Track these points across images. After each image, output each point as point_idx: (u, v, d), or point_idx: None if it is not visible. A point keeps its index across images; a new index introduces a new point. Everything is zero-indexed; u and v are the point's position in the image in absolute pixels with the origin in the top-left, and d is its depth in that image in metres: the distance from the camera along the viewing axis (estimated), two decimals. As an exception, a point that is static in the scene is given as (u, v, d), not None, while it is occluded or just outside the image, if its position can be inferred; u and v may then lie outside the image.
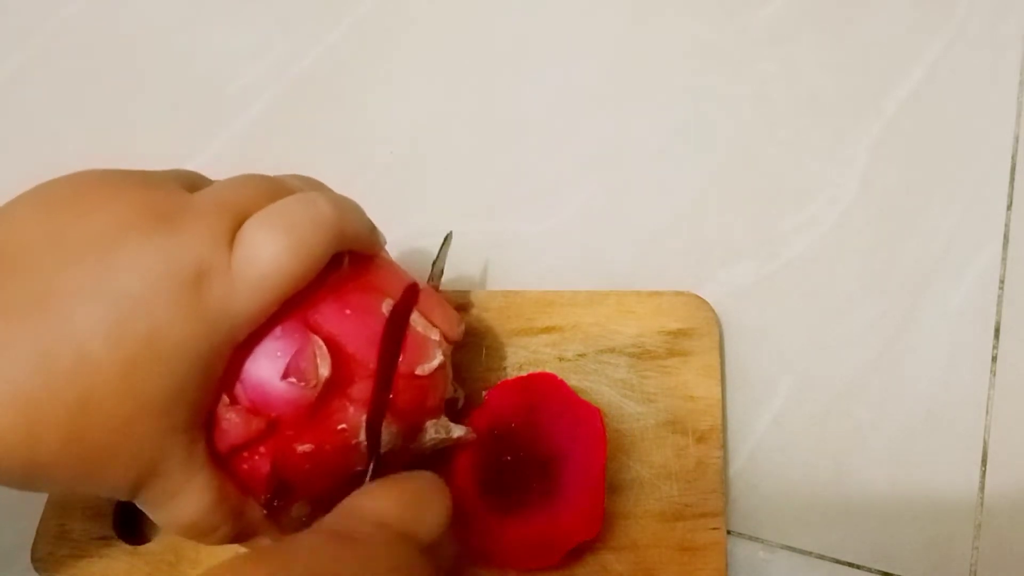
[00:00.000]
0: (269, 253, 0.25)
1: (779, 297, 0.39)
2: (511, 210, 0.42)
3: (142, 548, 0.35)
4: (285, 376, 0.26)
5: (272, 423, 0.26)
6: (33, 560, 0.35)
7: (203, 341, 0.24)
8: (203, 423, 0.26)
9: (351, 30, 0.46)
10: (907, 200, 0.41)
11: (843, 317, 0.39)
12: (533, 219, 0.42)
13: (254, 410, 0.26)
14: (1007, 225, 0.40)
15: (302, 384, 0.26)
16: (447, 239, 0.36)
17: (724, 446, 0.36)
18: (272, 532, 0.28)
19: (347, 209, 0.28)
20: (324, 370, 0.26)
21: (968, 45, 0.43)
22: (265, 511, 0.28)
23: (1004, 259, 0.39)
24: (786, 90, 0.43)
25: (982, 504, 0.35)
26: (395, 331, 0.28)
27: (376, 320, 0.28)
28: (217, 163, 0.43)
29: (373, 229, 0.30)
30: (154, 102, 0.45)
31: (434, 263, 0.35)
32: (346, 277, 0.28)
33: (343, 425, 0.27)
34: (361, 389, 0.27)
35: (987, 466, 0.36)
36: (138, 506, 0.27)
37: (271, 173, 0.41)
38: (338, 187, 0.43)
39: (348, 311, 0.27)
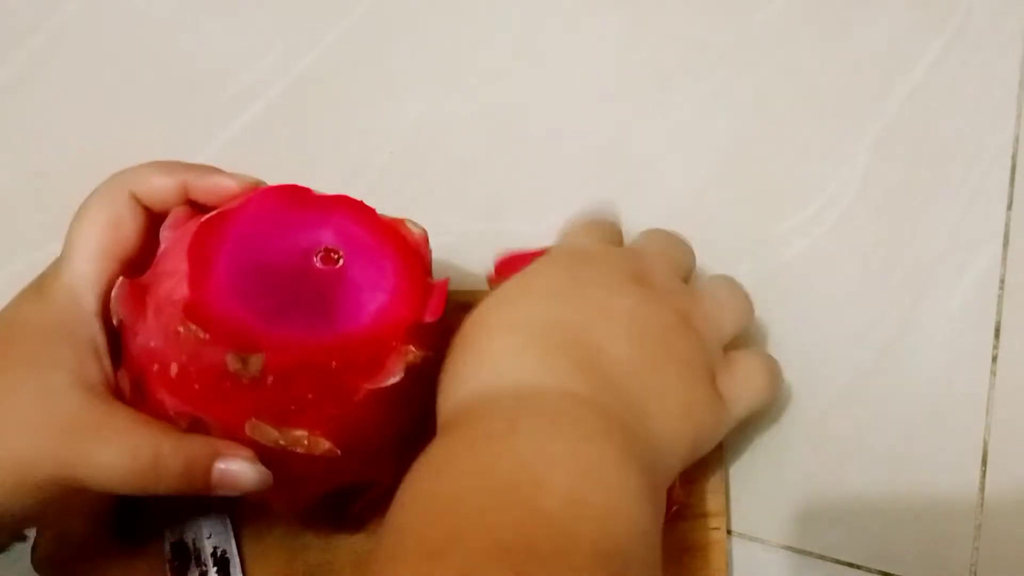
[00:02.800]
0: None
1: (779, 297, 0.39)
2: (511, 210, 0.42)
3: (142, 548, 0.35)
4: None
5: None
6: (33, 561, 0.35)
7: None
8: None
9: (351, 30, 0.46)
10: (907, 200, 0.41)
11: (843, 317, 0.39)
12: (533, 219, 0.42)
13: None
14: (1007, 225, 0.40)
15: None
16: None
17: (724, 446, 0.36)
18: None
19: None
20: None
21: (968, 45, 0.43)
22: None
23: (1004, 259, 0.39)
24: (786, 90, 0.43)
25: (982, 504, 0.35)
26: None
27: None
28: (217, 163, 0.43)
29: None
30: (154, 102, 0.45)
31: None
32: None
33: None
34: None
35: (987, 466, 0.36)
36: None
37: (271, 174, 0.41)
38: (337, 188, 0.43)
39: None
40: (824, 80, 0.43)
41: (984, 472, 0.36)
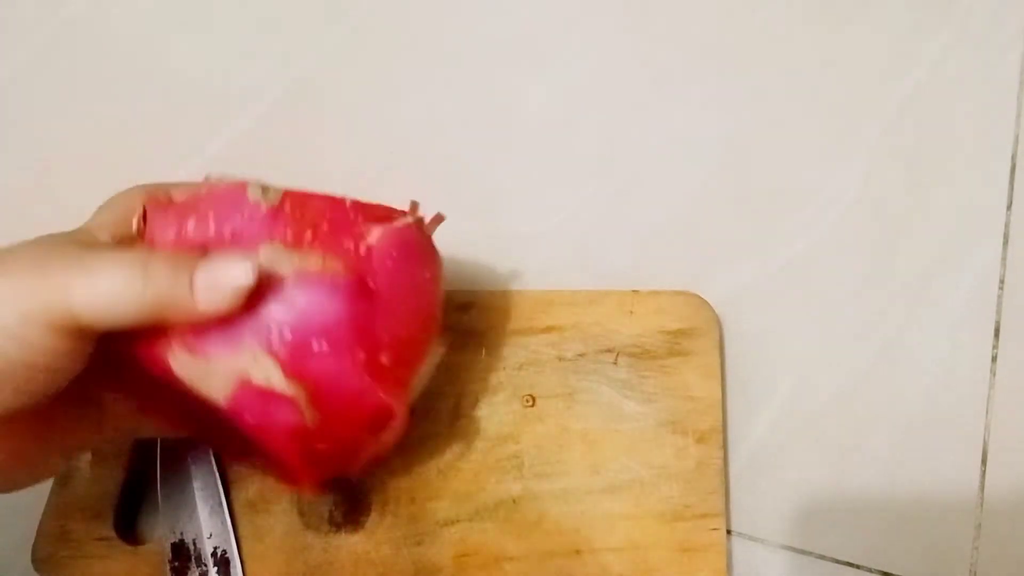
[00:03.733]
0: None
1: (779, 297, 0.39)
2: (511, 210, 0.42)
3: (142, 548, 0.35)
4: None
5: None
6: (33, 561, 0.35)
7: None
8: None
9: (351, 30, 0.46)
10: (907, 200, 0.41)
11: (843, 317, 0.39)
12: (533, 219, 0.42)
13: None
14: (1007, 225, 0.40)
15: None
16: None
17: (724, 446, 0.36)
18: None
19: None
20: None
21: (968, 45, 0.43)
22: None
23: (1004, 259, 0.39)
24: (786, 90, 0.43)
25: (982, 504, 0.35)
26: None
27: None
28: (217, 163, 0.43)
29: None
30: (154, 102, 0.45)
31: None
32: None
33: None
34: None
35: (987, 466, 0.36)
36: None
37: (271, 174, 0.41)
38: (337, 187, 0.43)
39: None
40: (824, 80, 0.43)
41: (984, 472, 0.36)
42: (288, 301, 0.27)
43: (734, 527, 0.36)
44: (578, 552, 0.34)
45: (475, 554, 0.34)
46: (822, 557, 0.35)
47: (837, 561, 0.35)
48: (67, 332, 0.25)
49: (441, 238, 0.39)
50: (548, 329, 0.38)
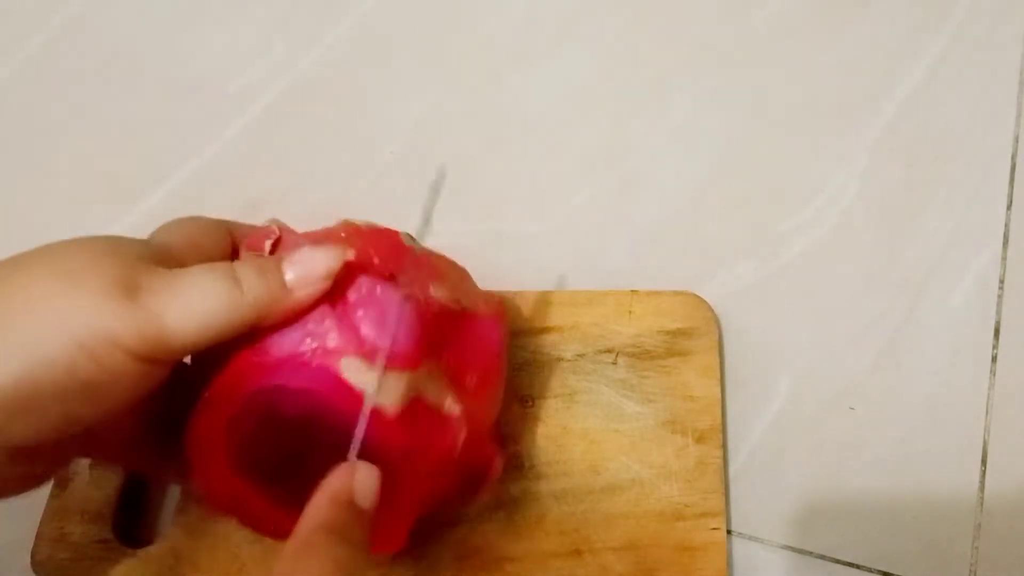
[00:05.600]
0: None
1: (779, 297, 0.39)
2: (511, 210, 0.42)
3: (141, 551, 0.35)
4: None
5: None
6: (33, 563, 0.35)
7: None
8: None
9: (351, 30, 0.46)
10: (907, 200, 0.41)
11: (843, 317, 0.39)
12: (533, 219, 0.42)
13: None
14: (1007, 225, 0.40)
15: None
16: (438, 180, 0.32)
17: (724, 446, 0.36)
18: None
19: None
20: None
21: (968, 45, 0.43)
22: None
23: (1004, 259, 0.39)
24: (786, 90, 0.43)
25: (982, 504, 0.35)
26: None
27: None
28: (217, 163, 0.43)
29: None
30: (155, 102, 0.45)
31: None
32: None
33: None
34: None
35: (987, 466, 0.36)
36: None
37: (272, 173, 0.41)
38: (338, 187, 0.43)
39: None
40: (824, 80, 0.43)
41: (984, 472, 0.36)
42: (455, 332, 0.29)
43: (734, 527, 0.36)
44: (578, 552, 0.34)
45: (475, 554, 0.34)
46: (822, 557, 0.35)
47: (837, 561, 0.35)
48: (153, 358, 0.24)
49: (440, 239, 0.39)
50: (548, 329, 0.38)
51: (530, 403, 0.37)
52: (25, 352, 0.22)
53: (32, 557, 0.35)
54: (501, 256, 0.41)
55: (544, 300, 0.38)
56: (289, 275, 0.26)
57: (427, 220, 0.31)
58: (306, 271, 0.26)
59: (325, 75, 0.45)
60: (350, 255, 0.27)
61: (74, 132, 0.44)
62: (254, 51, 0.45)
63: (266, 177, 0.43)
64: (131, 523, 0.36)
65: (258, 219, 0.43)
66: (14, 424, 0.23)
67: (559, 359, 0.37)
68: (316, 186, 0.43)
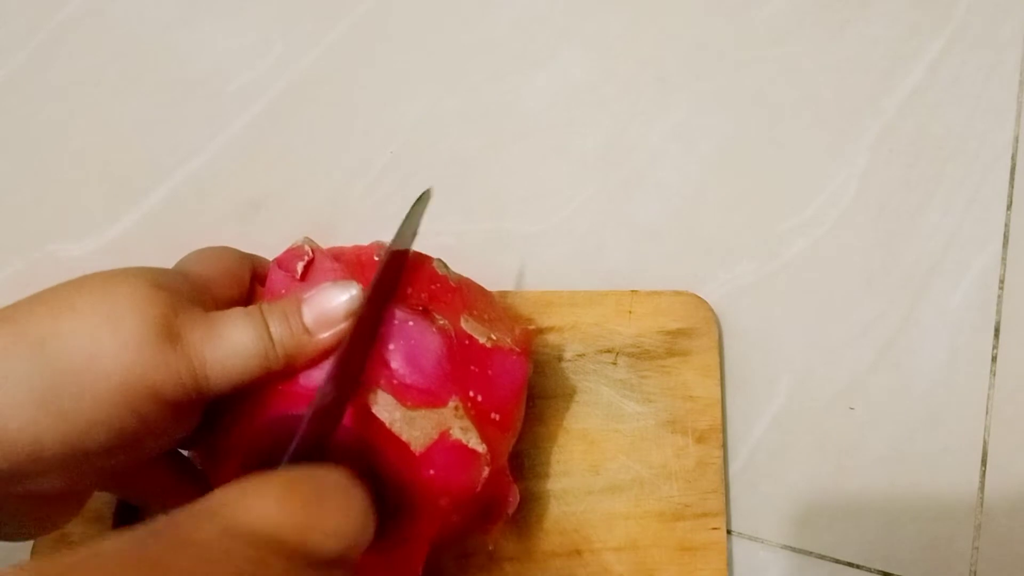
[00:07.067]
0: None
1: (779, 297, 0.39)
2: (511, 210, 0.42)
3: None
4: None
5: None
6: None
7: None
8: None
9: (350, 30, 0.46)
10: (907, 200, 0.41)
11: (843, 317, 0.39)
12: (533, 219, 0.42)
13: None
14: (1007, 225, 0.40)
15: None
16: (423, 198, 0.32)
17: (724, 446, 0.36)
18: None
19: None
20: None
21: (968, 45, 0.43)
22: None
23: (1004, 259, 0.39)
24: (786, 90, 0.43)
25: (982, 504, 0.35)
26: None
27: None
28: (217, 162, 0.43)
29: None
30: (154, 102, 0.45)
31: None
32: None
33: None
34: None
35: (987, 466, 0.36)
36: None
37: (272, 173, 0.41)
38: (338, 187, 0.43)
39: None
40: (824, 80, 0.43)
41: (984, 472, 0.36)
42: (483, 368, 0.28)
43: (734, 527, 0.36)
44: (578, 552, 0.34)
45: (475, 554, 0.34)
46: (822, 557, 0.35)
47: (837, 561, 0.35)
48: (190, 405, 0.24)
49: (440, 239, 0.39)
50: (548, 329, 0.38)
51: (530, 403, 0.36)
52: (71, 411, 0.22)
53: (32, 557, 0.35)
54: (501, 256, 0.41)
55: (544, 300, 0.38)
56: (308, 318, 0.26)
57: (412, 236, 0.31)
58: (325, 311, 0.26)
59: (325, 75, 0.45)
60: (360, 291, 0.27)
61: (74, 132, 0.44)
62: (254, 51, 0.45)
63: (266, 177, 0.43)
64: (131, 523, 0.36)
65: (258, 219, 0.44)
66: (54, 476, 0.23)
67: (559, 359, 0.37)
68: (316, 186, 0.43)
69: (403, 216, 0.31)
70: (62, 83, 0.45)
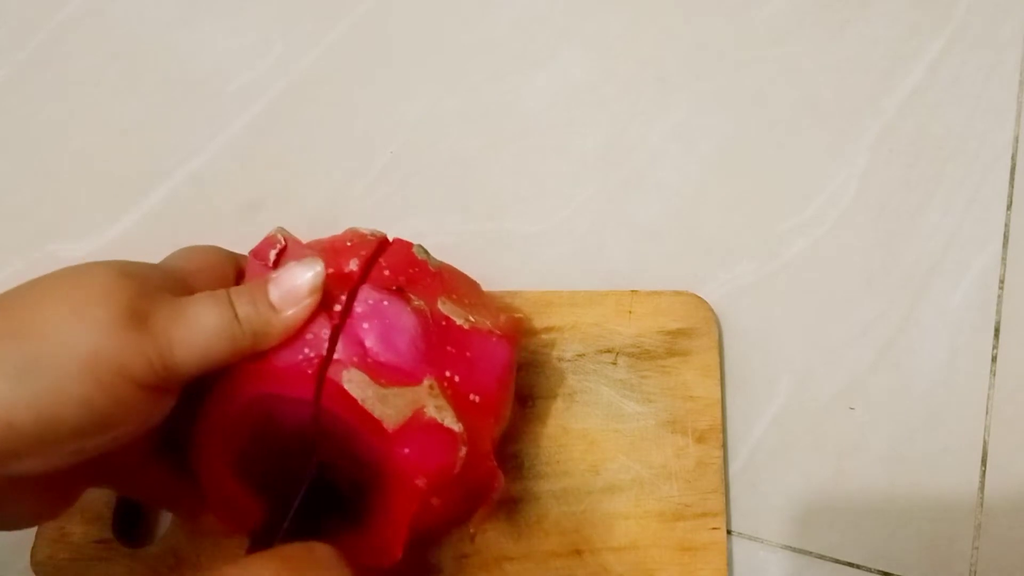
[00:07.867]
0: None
1: (779, 297, 0.39)
2: (511, 210, 0.42)
3: (141, 551, 0.35)
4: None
5: None
6: (32, 563, 0.35)
7: None
8: None
9: (350, 30, 0.46)
10: (907, 200, 0.41)
11: (843, 317, 0.39)
12: (533, 219, 0.42)
13: None
14: (1007, 225, 0.40)
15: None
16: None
17: (724, 446, 0.36)
18: None
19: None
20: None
21: (968, 45, 0.43)
22: None
23: (1004, 259, 0.39)
24: (786, 90, 0.43)
25: (982, 504, 0.35)
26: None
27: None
28: (217, 163, 0.43)
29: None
30: (154, 102, 0.45)
31: None
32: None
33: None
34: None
35: (987, 466, 0.36)
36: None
37: (272, 173, 0.41)
38: (338, 187, 0.43)
39: None
40: (824, 80, 0.43)
41: (984, 472, 0.36)
42: (461, 349, 0.29)
43: (734, 527, 0.36)
44: (578, 552, 0.34)
45: (475, 554, 0.34)
46: (822, 557, 0.35)
47: (837, 561, 0.35)
48: (161, 386, 0.25)
49: (440, 239, 0.39)
50: (547, 329, 0.38)
51: (530, 403, 0.37)
52: (42, 388, 0.23)
53: (32, 557, 0.35)
54: (501, 256, 0.41)
55: (544, 300, 0.38)
56: (274, 295, 0.26)
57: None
58: (290, 289, 0.26)
59: (325, 75, 0.45)
60: (328, 269, 0.27)
61: (74, 132, 0.44)
62: (254, 51, 0.45)
63: (266, 177, 0.43)
64: (131, 523, 0.36)
65: (258, 219, 0.44)
66: (30, 457, 0.23)
67: (559, 359, 0.37)
68: (316, 186, 0.43)
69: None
70: (62, 83, 0.45)
